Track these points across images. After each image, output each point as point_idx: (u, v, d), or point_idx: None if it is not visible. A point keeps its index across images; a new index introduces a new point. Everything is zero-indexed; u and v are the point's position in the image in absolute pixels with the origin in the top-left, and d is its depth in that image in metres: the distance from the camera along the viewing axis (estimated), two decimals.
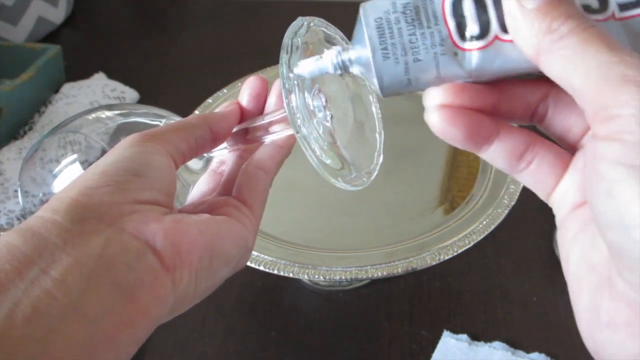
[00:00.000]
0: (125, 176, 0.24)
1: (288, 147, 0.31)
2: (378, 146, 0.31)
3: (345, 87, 0.31)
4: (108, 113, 0.42)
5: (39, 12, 0.86)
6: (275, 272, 0.43)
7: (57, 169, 0.42)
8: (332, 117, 0.29)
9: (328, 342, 0.48)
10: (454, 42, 0.20)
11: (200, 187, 0.32)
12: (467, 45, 0.20)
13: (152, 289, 0.22)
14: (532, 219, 0.55)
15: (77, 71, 0.77)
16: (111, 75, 0.77)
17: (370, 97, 0.32)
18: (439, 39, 0.20)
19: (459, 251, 0.43)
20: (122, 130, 0.40)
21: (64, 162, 0.42)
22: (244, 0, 0.98)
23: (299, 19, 0.28)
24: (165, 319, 0.23)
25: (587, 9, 0.20)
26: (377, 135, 0.31)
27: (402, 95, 0.22)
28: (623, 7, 0.20)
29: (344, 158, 0.29)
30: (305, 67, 0.25)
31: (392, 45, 0.21)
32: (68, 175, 0.41)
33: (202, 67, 0.83)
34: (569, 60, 0.18)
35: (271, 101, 0.31)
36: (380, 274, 0.42)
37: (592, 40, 0.18)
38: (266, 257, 0.44)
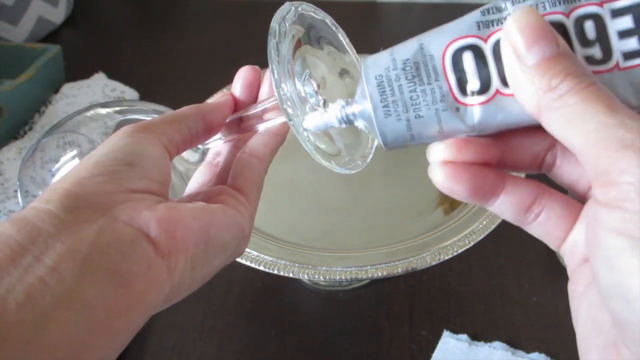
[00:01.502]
0: (118, 166, 0.24)
1: (282, 134, 0.31)
2: None
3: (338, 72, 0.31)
4: (107, 110, 0.42)
5: (39, 12, 0.86)
6: (275, 272, 0.43)
7: (56, 168, 0.42)
8: (324, 102, 0.29)
9: (328, 342, 0.48)
10: (455, 98, 0.20)
11: (196, 179, 0.32)
12: (468, 100, 0.20)
13: (146, 276, 0.22)
14: None
15: (77, 71, 0.77)
16: (111, 75, 0.77)
17: None
18: (439, 95, 0.20)
19: (459, 251, 0.43)
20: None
21: (63, 160, 0.42)
22: (244, 0, 0.98)
23: (287, 3, 0.28)
24: (161, 306, 0.23)
25: (590, 60, 0.19)
26: None
27: None
28: (627, 56, 0.19)
29: (338, 142, 0.29)
30: (311, 121, 0.25)
31: (393, 103, 0.20)
32: None
33: (202, 67, 0.83)
34: (568, 119, 0.18)
35: (264, 90, 0.31)
36: (380, 274, 0.42)
37: (591, 99, 0.17)
38: (266, 257, 0.44)
